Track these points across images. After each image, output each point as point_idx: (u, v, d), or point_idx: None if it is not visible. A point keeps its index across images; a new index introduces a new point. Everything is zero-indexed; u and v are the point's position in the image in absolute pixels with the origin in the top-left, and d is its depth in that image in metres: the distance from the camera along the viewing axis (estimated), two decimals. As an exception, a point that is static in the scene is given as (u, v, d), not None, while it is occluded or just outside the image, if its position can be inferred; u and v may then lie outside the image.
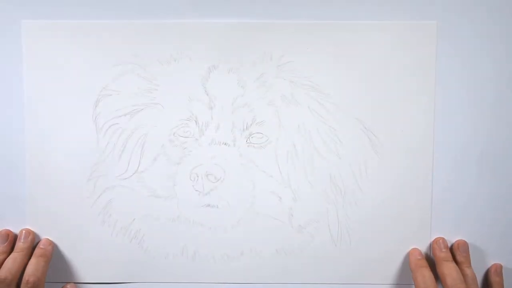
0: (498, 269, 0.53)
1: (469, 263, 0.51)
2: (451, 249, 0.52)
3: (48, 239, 0.53)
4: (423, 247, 0.53)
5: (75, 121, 0.52)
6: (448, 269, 0.49)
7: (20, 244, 0.51)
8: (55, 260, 0.53)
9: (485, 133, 0.52)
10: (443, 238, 0.52)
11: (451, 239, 0.53)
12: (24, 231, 0.52)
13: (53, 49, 0.51)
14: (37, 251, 0.51)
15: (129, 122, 0.52)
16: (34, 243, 0.52)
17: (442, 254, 0.51)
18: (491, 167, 0.53)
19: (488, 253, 0.53)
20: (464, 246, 0.52)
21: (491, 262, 0.53)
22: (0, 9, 0.51)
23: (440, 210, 0.53)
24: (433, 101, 0.52)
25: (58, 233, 0.53)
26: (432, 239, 0.53)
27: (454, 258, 0.51)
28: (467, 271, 0.50)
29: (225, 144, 0.52)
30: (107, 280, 0.53)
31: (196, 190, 0.52)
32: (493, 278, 0.52)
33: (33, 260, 0.50)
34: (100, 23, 0.51)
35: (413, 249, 0.53)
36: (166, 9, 0.51)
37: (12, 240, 0.52)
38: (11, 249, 0.51)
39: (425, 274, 0.49)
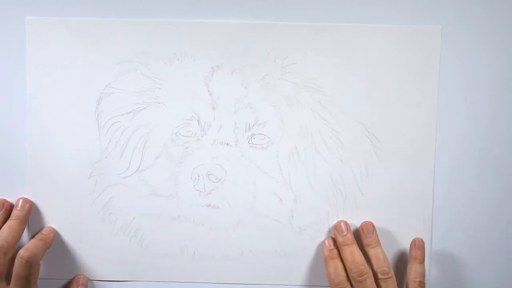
0: (418, 243, 0.51)
1: (377, 243, 0.50)
2: (357, 233, 0.52)
3: (51, 227, 0.52)
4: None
5: (77, 119, 0.52)
6: (345, 254, 0.49)
7: (16, 212, 0.51)
8: (54, 257, 0.53)
9: (487, 139, 0.53)
10: (344, 221, 0.52)
11: (452, 242, 0.53)
12: (21, 200, 0.52)
13: (57, 46, 0.51)
14: (38, 235, 0.51)
15: (131, 120, 0.52)
16: (30, 211, 0.52)
17: (340, 239, 0.51)
18: (492, 168, 0.53)
19: (491, 253, 0.54)
20: (368, 227, 0.51)
21: (493, 261, 0.54)
22: (4, 5, 0.51)
23: (441, 214, 0.53)
24: (435, 105, 0.52)
25: (58, 230, 0.53)
26: (434, 243, 0.53)
27: (362, 242, 0.51)
28: (372, 252, 0.50)
29: (227, 144, 0.52)
30: (106, 278, 0.53)
31: (197, 190, 0.52)
32: (413, 252, 0.51)
33: (32, 240, 0.50)
34: (104, 21, 0.51)
35: (326, 239, 0.52)
36: (170, 8, 0.51)
37: (7, 208, 0.51)
38: (7, 218, 0.51)
39: (338, 264, 0.49)
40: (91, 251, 0.53)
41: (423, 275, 0.50)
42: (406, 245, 0.53)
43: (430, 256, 0.53)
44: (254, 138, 0.52)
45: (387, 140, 0.52)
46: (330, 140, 0.52)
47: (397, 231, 0.53)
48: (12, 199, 0.52)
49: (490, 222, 0.53)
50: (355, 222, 0.52)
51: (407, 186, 0.52)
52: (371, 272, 0.48)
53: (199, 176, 0.52)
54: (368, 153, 0.52)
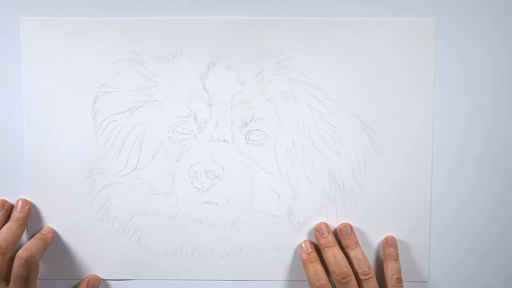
0: (390, 241, 0.52)
1: (356, 244, 0.51)
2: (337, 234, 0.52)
3: (50, 227, 0.53)
4: (423, 244, 0.53)
5: (74, 118, 0.52)
6: (328, 256, 0.49)
7: (16, 214, 0.51)
8: (53, 257, 0.53)
9: (485, 129, 0.52)
10: (325, 223, 0.52)
11: (451, 235, 0.53)
12: (20, 201, 0.52)
13: (52, 46, 0.51)
14: (37, 235, 0.51)
15: (128, 119, 0.52)
16: (30, 213, 0.52)
17: (322, 241, 0.51)
18: (490, 164, 0.53)
19: (491, 253, 0.53)
20: (346, 229, 0.51)
21: (493, 261, 0.53)
22: (-1, 6, 0.51)
23: (439, 206, 0.53)
24: (432, 98, 0.52)
25: (56, 230, 0.53)
26: (432, 235, 0.53)
27: (342, 243, 0.51)
28: (352, 253, 0.50)
29: (224, 141, 0.52)
30: (106, 277, 0.53)
31: (195, 187, 0.52)
32: (387, 250, 0.51)
33: (31, 240, 0.51)
34: (99, 20, 0.51)
35: (303, 242, 0.52)
36: (165, 6, 0.51)
37: (8, 209, 0.52)
38: (7, 218, 0.51)
39: (317, 267, 0.50)
40: (90, 250, 0.53)
41: (399, 271, 0.50)
42: (403, 239, 0.53)
43: (430, 256, 0.53)
44: (251, 134, 0.52)
45: (384, 133, 0.52)
46: (327, 134, 0.52)
47: (395, 225, 0.52)
48: (10, 199, 0.52)
49: (490, 222, 0.53)
50: (355, 216, 0.52)
51: (405, 180, 0.52)
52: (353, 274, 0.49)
53: (196, 174, 0.51)
54: (366, 147, 0.52)
